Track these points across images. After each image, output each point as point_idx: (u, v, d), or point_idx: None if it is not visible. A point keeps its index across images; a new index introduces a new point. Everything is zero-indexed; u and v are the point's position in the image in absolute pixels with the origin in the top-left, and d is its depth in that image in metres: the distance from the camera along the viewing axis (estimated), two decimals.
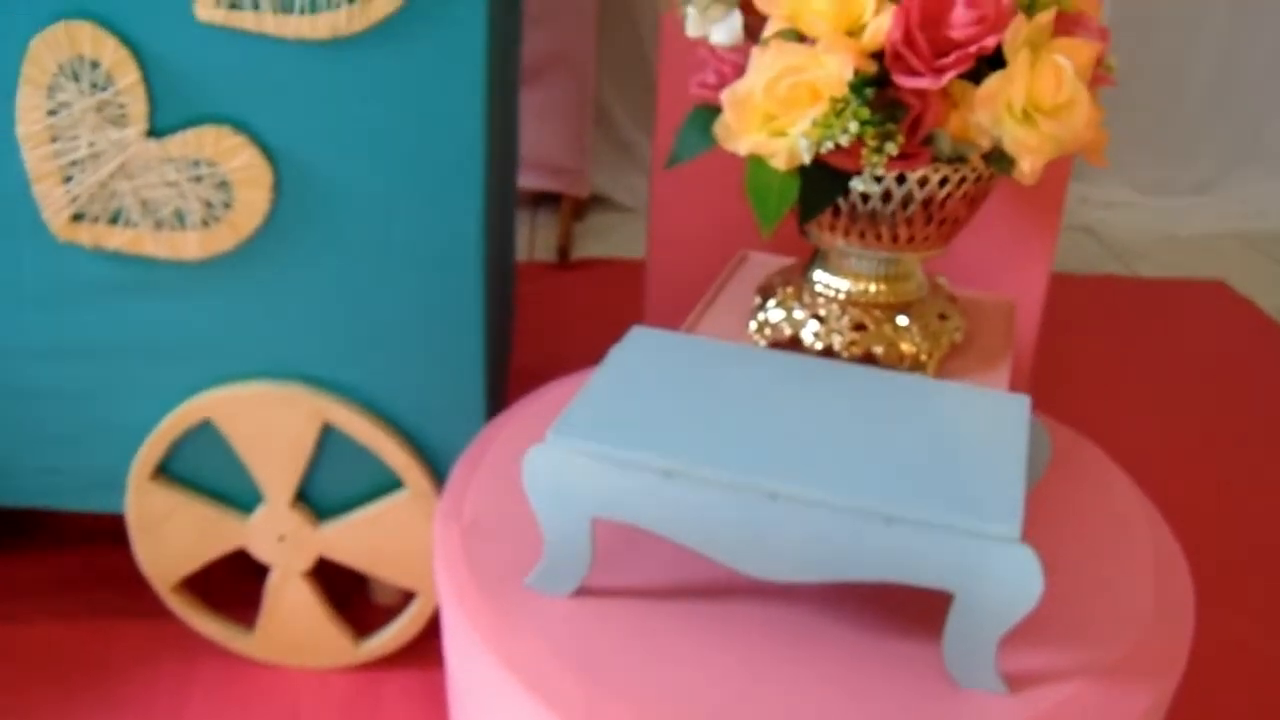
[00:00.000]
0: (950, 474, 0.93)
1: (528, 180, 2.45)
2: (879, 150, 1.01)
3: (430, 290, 1.40)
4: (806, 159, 1.00)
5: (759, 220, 1.06)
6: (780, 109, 1.04)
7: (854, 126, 0.99)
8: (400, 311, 1.41)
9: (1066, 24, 1.08)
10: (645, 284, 1.62)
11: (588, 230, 2.59)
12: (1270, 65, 2.97)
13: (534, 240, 2.53)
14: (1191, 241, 2.84)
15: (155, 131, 1.34)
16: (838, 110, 0.99)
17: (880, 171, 1.02)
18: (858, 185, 1.07)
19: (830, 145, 0.99)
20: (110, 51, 1.30)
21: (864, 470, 0.93)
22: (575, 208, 2.59)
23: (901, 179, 1.07)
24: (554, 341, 2.14)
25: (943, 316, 1.21)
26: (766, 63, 1.05)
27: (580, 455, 0.97)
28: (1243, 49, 2.96)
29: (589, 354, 2.03)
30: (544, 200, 2.65)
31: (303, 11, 1.28)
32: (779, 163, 1.03)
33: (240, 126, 1.34)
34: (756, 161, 1.05)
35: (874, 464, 0.94)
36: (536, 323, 2.11)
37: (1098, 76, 1.10)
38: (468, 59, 1.30)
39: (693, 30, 1.13)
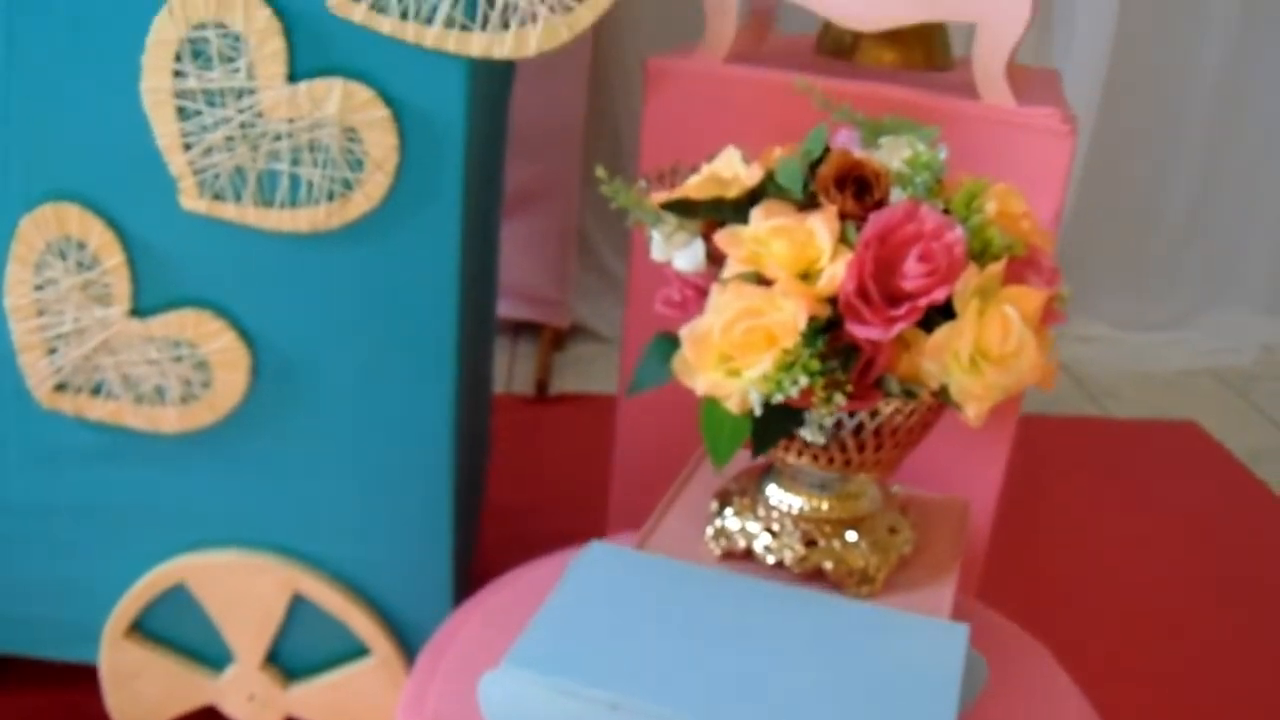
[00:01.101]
0: (881, 711, 0.97)
1: (508, 309, 2.49)
2: (828, 401, 1.05)
3: (400, 467, 1.44)
4: (757, 411, 1.04)
5: (711, 456, 1.10)
6: (736, 351, 1.07)
7: (803, 380, 1.02)
8: (371, 487, 1.45)
9: (1018, 269, 1.12)
10: (615, 430, 1.66)
11: (568, 361, 2.62)
12: (1244, 200, 3.02)
13: (513, 370, 2.57)
14: (1165, 379, 2.87)
15: (138, 311, 1.38)
16: (787, 364, 1.03)
17: (828, 422, 1.06)
18: (810, 421, 1.11)
19: (780, 398, 1.03)
20: (97, 234, 1.34)
21: (797, 708, 0.97)
22: (555, 337, 2.63)
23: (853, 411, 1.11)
24: (529, 479, 2.18)
25: (893, 530, 1.25)
26: (725, 303, 1.09)
27: (533, 685, 1.01)
28: (1217, 183, 3.01)
29: (563, 495, 2.08)
30: (524, 328, 2.69)
31: (283, 206, 1.32)
32: (732, 405, 1.07)
33: (221, 311, 1.38)
34: (711, 400, 1.09)
35: (809, 701, 0.98)
36: (512, 459, 2.15)
37: (1049, 313, 1.14)
38: (442, 256, 1.35)
39: (657, 254, 1.18)
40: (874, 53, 1.60)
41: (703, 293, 1.17)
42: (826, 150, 1.17)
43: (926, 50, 1.62)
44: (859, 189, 1.11)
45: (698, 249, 1.15)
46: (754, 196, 1.16)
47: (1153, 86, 2.89)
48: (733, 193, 1.16)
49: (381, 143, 1.28)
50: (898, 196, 1.10)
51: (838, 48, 1.61)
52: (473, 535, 1.80)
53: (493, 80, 1.28)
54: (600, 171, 1.16)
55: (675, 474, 1.34)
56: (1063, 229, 2.74)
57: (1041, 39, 2.80)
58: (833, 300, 1.08)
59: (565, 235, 2.57)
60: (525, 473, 2.18)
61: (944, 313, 1.08)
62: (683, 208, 1.15)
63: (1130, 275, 3.06)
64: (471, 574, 1.68)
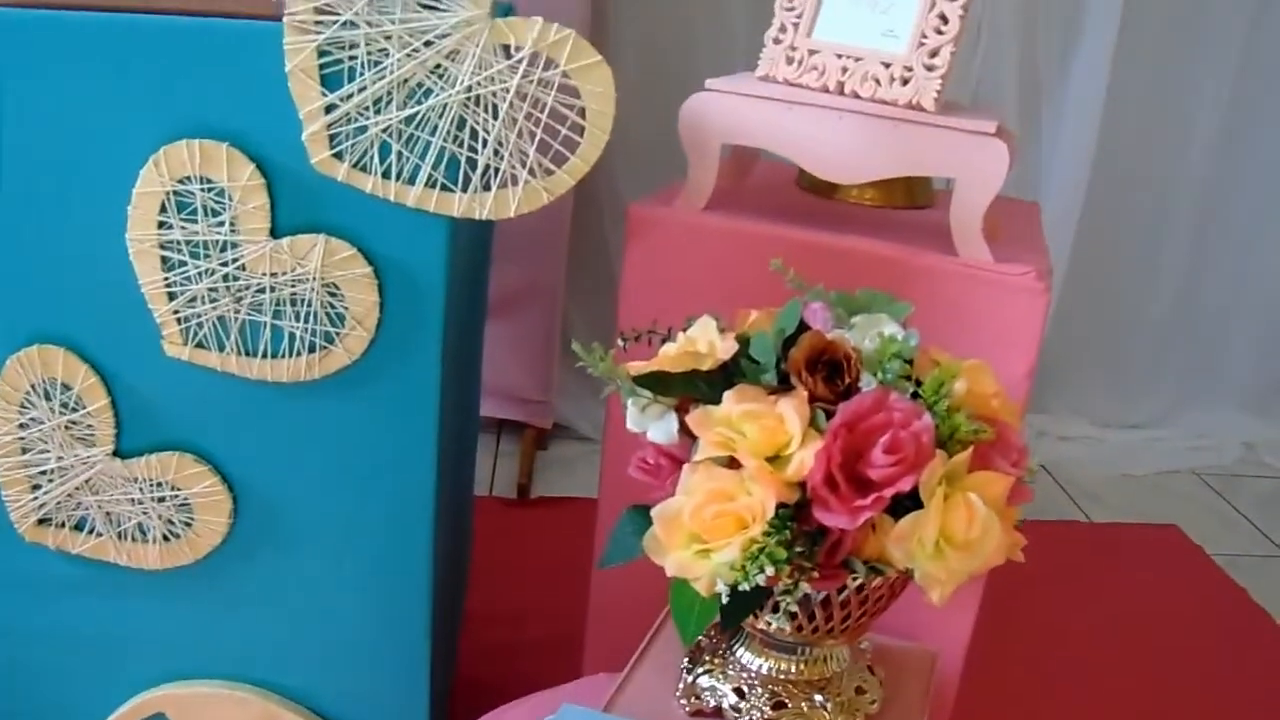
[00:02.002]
0: None
1: (491, 408, 2.50)
2: (794, 588, 1.06)
3: (379, 607, 1.46)
4: (724, 599, 1.06)
5: (680, 635, 1.12)
6: (706, 532, 1.09)
7: (770, 569, 1.04)
8: (349, 625, 1.47)
9: (985, 451, 1.13)
10: (595, 537, 1.68)
11: (550, 461, 2.63)
12: (1227, 297, 3.04)
13: (495, 468, 2.58)
14: (1146, 480, 2.89)
15: (121, 453, 1.39)
16: (753, 554, 1.04)
17: (795, 608, 1.08)
18: (778, 597, 1.12)
19: (746, 587, 1.05)
20: (81, 377, 1.36)
21: None
22: (538, 437, 2.64)
23: None
24: (510, 585, 2.19)
25: (860, 689, 1.26)
26: (695, 484, 1.11)
27: None
28: (1200, 281, 3.03)
29: (543, 602, 2.09)
30: (508, 426, 2.70)
31: (265, 356, 1.34)
32: (701, 587, 1.08)
33: (203, 455, 1.40)
34: (681, 580, 1.10)
35: None
36: (493, 563, 2.16)
37: (1016, 492, 1.15)
38: (421, 407, 1.37)
39: (632, 425, 1.19)
40: (855, 191, 1.63)
41: (676, 461, 1.18)
42: (801, 325, 1.19)
43: (907, 189, 1.64)
44: (830, 371, 1.13)
45: (671, 422, 1.17)
46: (728, 369, 1.17)
47: (1137, 186, 2.92)
48: (707, 365, 1.17)
49: (362, 299, 1.30)
50: (868, 380, 1.12)
51: (819, 184, 1.63)
52: (453, 649, 1.82)
53: (475, 224, 1.30)
54: (576, 346, 1.17)
55: (653, 580, 1.35)
56: (1049, 331, 2.77)
57: (1028, 142, 2.82)
58: (802, 483, 1.09)
59: (549, 336, 2.58)
60: (506, 578, 2.20)
61: (911, 496, 1.09)
62: (657, 382, 1.16)
63: (1112, 373, 3.08)
64: (452, 685, 1.69)
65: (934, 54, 1.38)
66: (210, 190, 1.28)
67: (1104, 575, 2.48)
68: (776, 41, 1.50)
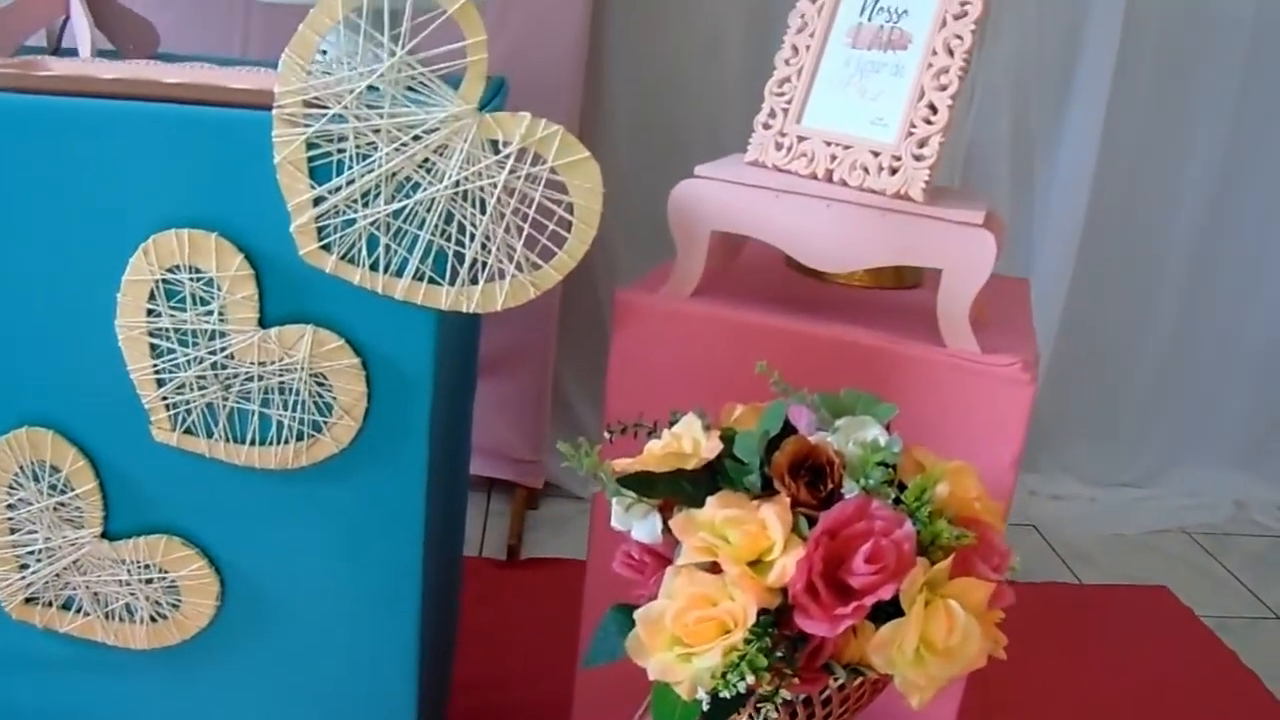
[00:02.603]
0: None
1: (482, 467, 2.50)
2: (774, 695, 1.07)
3: (366, 684, 1.47)
4: (705, 706, 1.06)
5: None
6: (688, 637, 1.10)
7: (750, 677, 1.04)
8: (336, 703, 1.47)
9: (967, 556, 1.14)
10: (583, 600, 1.67)
11: (541, 520, 2.63)
12: (1217, 356, 3.04)
13: (486, 530, 2.58)
14: (1136, 540, 2.89)
15: (109, 535, 1.40)
16: (734, 662, 1.05)
17: (775, 716, 1.08)
18: (759, 703, 1.12)
19: (726, 694, 1.05)
20: (70, 460, 1.36)
21: None
22: (529, 496, 2.64)
23: None
24: (498, 648, 2.19)
25: None
26: (678, 588, 1.11)
27: None
28: (1191, 338, 3.03)
29: (530, 666, 2.09)
30: (498, 485, 2.69)
31: (253, 444, 1.34)
32: (682, 691, 1.09)
33: (191, 539, 1.40)
34: (663, 683, 1.11)
35: None
36: (482, 626, 2.16)
37: (998, 594, 1.16)
38: (408, 495, 1.38)
39: (617, 524, 1.20)
40: (844, 273, 1.63)
41: (661, 559, 1.19)
42: (785, 426, 1.19)
43: (896, 270, 1.65)
44: (813, 476, 1.13)
45: (655, 522, 1.18)
46: (712, 469, 1.18)
47: (1128, 244, 2.92)
48: (691, 465, 1.18)
49: (350, 390, 1.31)
50: (851, 486, 1.12)
51: (808, 266, 1.63)
52: (440, 717, 1.82)
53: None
54: (561, 445, 1.18)
55: None
56: (1040, 389, 2.77)
57: (1021, 199, 2.83)
58: (784, 589, 1.10)
59: (540, 396, 2.58)
60: (494, 641, 2.19)
61: (893, 602, 1.09)
62: (642, 483, 1.17)
63: (1103, 432, 3.08)
64: None
65: (923, 144, 1.39)
66: (199, 279, 1.29)
67: (1093, 639, 2.48)
68: (766, 126, 1.51)
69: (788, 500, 1.12)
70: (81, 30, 1.61)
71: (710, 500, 1.13)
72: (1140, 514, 2.95)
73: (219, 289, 1.28)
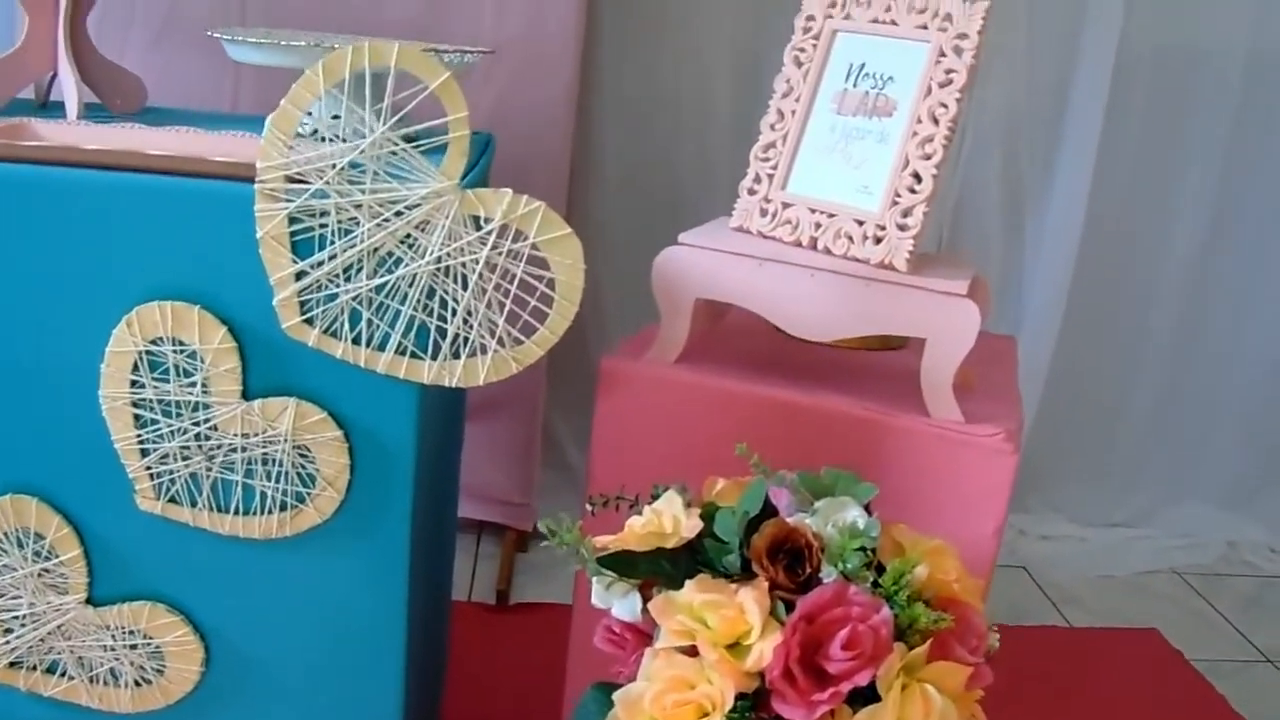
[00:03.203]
0: None
1: (471, 510, 2.50)
2: None
3: None
4: None
5: None
6: (666, 719, 1.10)
7: None
8: None
9: (945, 639, 1.14)
10: (569, 646, 1.68)
11: (531, 564, 2.62)
12: (1207, 396, 3.05)
13: (475, 573, 2.57)
14: (1127, 581, 2.89)
15: (94, 601, 1.40)
16: None
17: None
18: None
19: None
20: (54, 528, 1.37)
21: None
22: (519, 539, 2.64)
23: None
24: (485, 693, 2.19)
25: None
26: (656, 670, 1.12)
27: None
28: (1182, 379, 3.04)
29: (518, 711, 2.09)
30: (488, 528, 2.69)
31: (237, 513, 1.35)
32: None
33: (175, 605, 1.41)
34: None
35: None
36: (469, 671, 2.16)
37: (976, 675, 1.16)
38: (391, 564, 1.38)
39: (598, 601, 1.20)
40: None
41: (642, 635, 1.19)
42: (766, 504, 1.20)
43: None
44: (792, 560, 1.14)
45: (635, 601, 1.18)
46: (692, 548, 1.18)
47: (1119, 285, 2.92)
48: (672, 544, 1.18)
49: (333, 462, 1.31)
50: (829, 570, 1.13)
51: None
52: None
53: None
54: (542, 524, 1.18)
55: None
56: (1027, 426, 2.77)
57: (1012, 240, 2.84)
58: (762, 673, 1.10)
59: (530, 439, 2.58)
60: (482, 685, 2.19)
61: (870, 687, 1.10)
62: (622, 563, 1.17)
63: (1094, 471, 3.08)
64: None
65: (907, 213, 1.39)
66: (182, 351, 1.29)
67: (1082, 683, 2.48)
68: (751, 192, 1.51)
69: (766, 584, 1.12)
70: (69, 89, 1.62)
71: (689, 583, 1.13)
72: (1131, 554, 2.95)
73: (202, 361, 1.29)
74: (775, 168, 1.50)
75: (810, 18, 1.53)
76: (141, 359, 1.29)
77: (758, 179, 1.51)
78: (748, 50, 2.58)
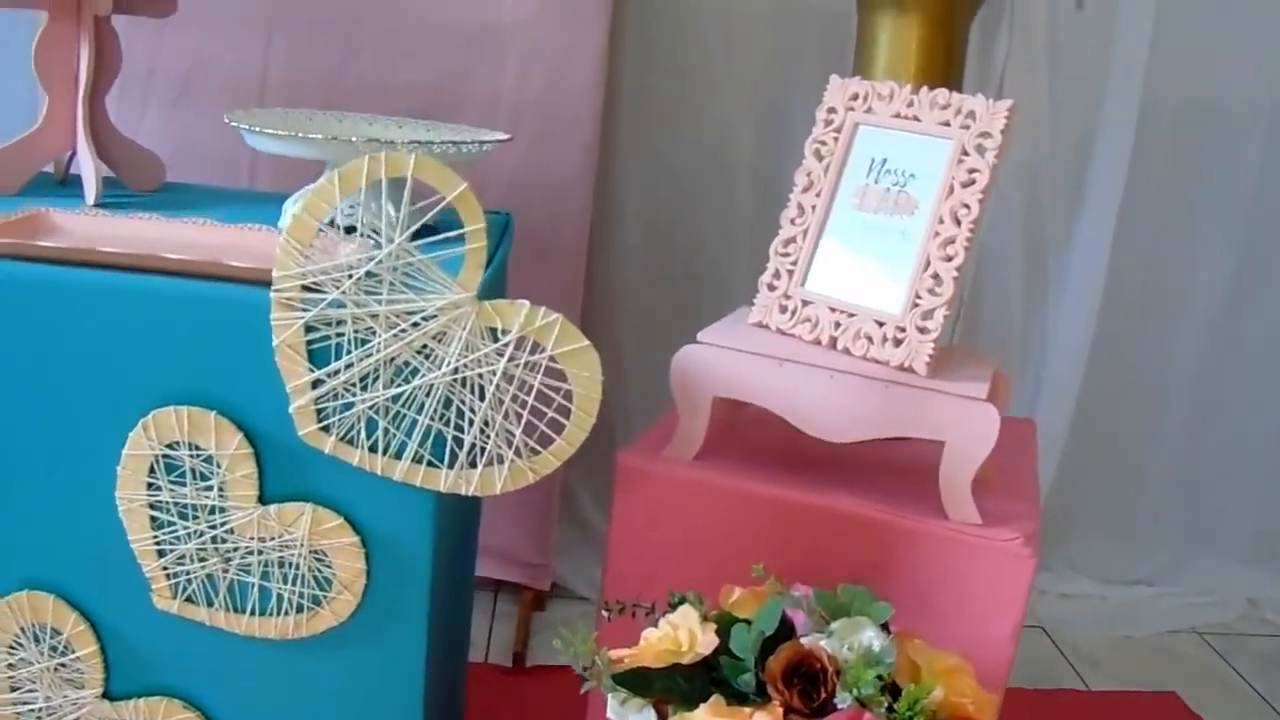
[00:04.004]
0: None
1: (489, 569, 2.49)
2: None
3: None
4: None
5: None
6: None
7: None
8: None
9: None
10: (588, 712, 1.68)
11: (548, 623, 2.61)
12: (1230, 453, 3.03)
13: (492, 633, 2.57)
14: (1147, 641, 2.87)
15: (110, 695, 1.40)
16: None
17: None
18: None
19: None
20: (70, 623, 1.37)
21: None
22: (536, 599, 2.63)
23: None
24: None
25: None
26: None
27: None
28: (1203, 436, 3.02)
29: None
30: (505, 587, 2.68)
31: (253, 614, 1.35)
32: None
33: (191, 701, 1.41)
34: None
35: None
36: None
37: None
38: (408, 666, 1.38)
39: (613, 715, 1.20)
40: None
41: None
42: (783, 622, 1.19)
43: None
44: (807, 683, 1.13)
45: (649, 718, 1.18)
46: (708, 664, 1.18)
47: (1140, 345, 2.91)
48: (688, 659, 1.18)
49: (349, 566, 1.31)
50: (844, 696, 1.12)
51: None
52: None
53: None
54: (557, 642, 1.18)
55: None
56: (1048, 485, 2.77)
57: (1032, 301, 2.83)
58: None
59: (548, 499, 2.58)
60: None
61: None
62: (637, 681, 1.17)
63: (1115, 529, 3.06)
64: None
65: (927, 316, 1.38)
66: (199, 455, 1.29)
67: None
68: (771, 288, 1.51)
69: (780, 710, 1.12)
70: (87, 172, 1.63)
71: (703, 707, 1.13)
72: (1151, 613, 2.93)
73: (219, 466, 1.29)
74: (795, 264, 1.49)
75: (832, 110, 1.52)
76: (158, 462, 1.30)
77: (777, 274, 1.51)
78: (768, 108, 2.57)
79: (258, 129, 1.49)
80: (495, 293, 1.43)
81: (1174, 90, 2.73)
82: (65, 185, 1.74)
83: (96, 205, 1.61)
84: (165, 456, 1.30)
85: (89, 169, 1.64)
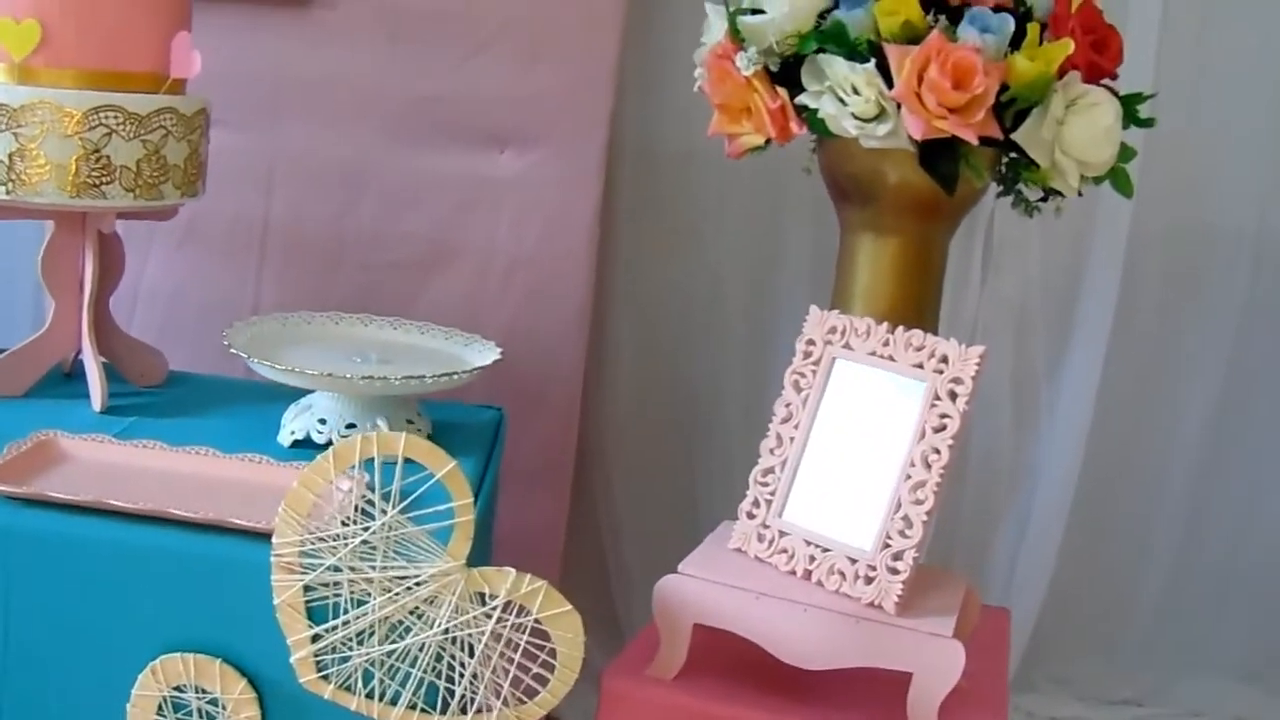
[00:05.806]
0: None
1: None
2: None
3: None
4: None
5: None
6: None
7: None
8: None
9: None
10: None
11: None
12: (1220, 573, 3.07)
13: None
14: None
15: None
16: None
17: None
18: None
19: None
20: None
21: None
22: None
23: None
24: None
25: None
26: None
27: None
28: (1192, 553, 3.06)
29: None
30: None
31: None
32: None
33: None
34: None
35: None
36: None
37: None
38: None
39: None
40: None
41: None
42: None
43: None
44: None
45: None
46: None
47: (1129, 461, 2.95)
48: None
49: None
50: None
51: None
52: None
53: None
54: None
55: None
56: (1040, 609, 2.82)
57: (1024, 429, 2.88)
58: None
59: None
60: None
61: None
62: None
63: (1103, 648, 3.10)
64: None
65: (897, 557, 1.45)
66: (204, 697, 1.37)
67: None
68: (750, 516, 1.58)
69: None
70: (93, 379, 1.72)
71: None
72: None
73: (224, 709, 1.37)
74: (773, 494, 1.56)
75: (810, 342, 1.59)
76: (166, 702, 1.38)
77: (756, 503, 1.58)
78: (761, 259, 2.64)
79: (255, 360, 1.59)
80: (490, 489, 1.60)
81: (1162, 213, 2.77)
82: (71, 379, 1.83)
83: (102, 412, 1.69)
84: (173, 698, 1.37)
85: (94, 375, 1.73)
